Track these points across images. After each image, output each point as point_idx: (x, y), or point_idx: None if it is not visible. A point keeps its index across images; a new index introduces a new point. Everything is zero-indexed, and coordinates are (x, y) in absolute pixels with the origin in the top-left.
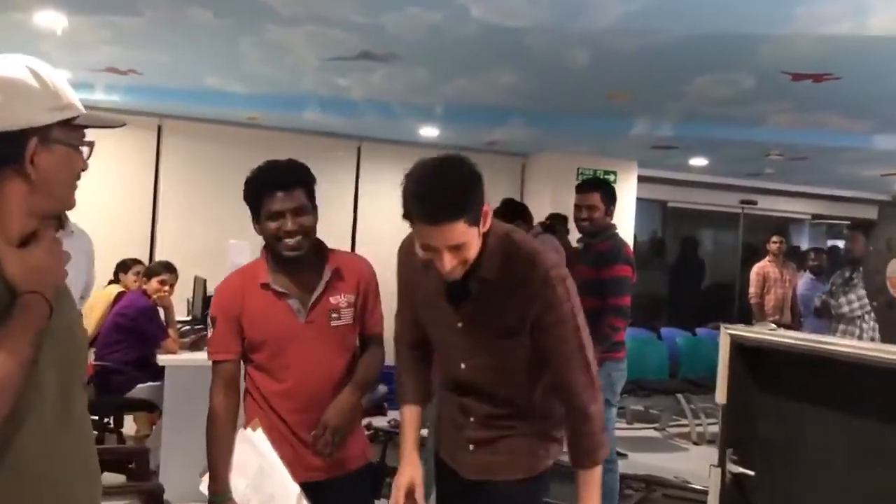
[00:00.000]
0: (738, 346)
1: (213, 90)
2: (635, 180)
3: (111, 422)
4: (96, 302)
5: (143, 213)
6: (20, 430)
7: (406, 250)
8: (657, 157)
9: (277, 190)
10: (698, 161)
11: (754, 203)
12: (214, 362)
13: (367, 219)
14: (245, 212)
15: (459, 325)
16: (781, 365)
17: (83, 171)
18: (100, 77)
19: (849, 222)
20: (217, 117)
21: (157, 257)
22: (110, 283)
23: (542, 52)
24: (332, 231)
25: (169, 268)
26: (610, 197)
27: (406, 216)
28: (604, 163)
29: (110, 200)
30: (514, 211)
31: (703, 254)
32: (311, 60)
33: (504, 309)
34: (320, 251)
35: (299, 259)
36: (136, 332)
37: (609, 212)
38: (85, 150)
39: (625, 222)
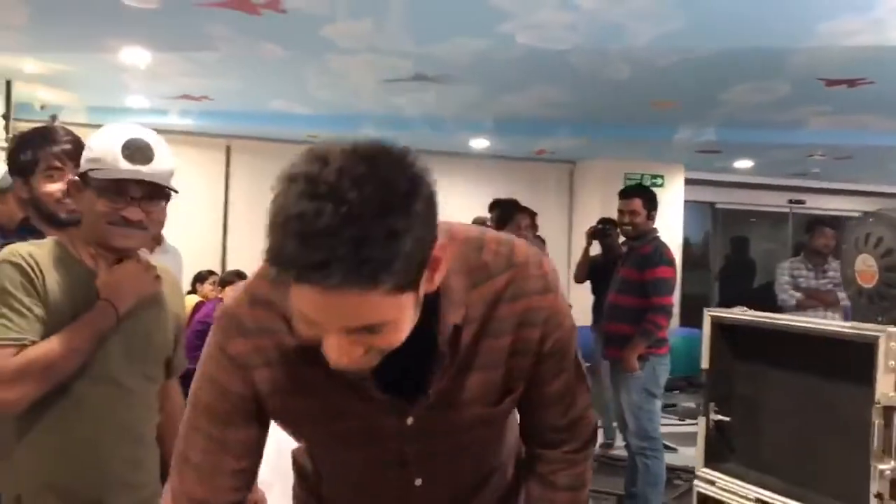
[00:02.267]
0: (717, 324)
1: (277, 113)
2: (682, 183)
3: None
4: None
5: (214, 226)
6: (86, 405)
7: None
8: (703, 160)
9: None
10: (743, 163)
11: (802, 202)
12: None
13: None
14: None
15: (409, 421)
16: (750, 337)
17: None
18: (175, 103)
19: None
20: (280, 137)
21: (229, 267)
22: (188, 293)
23: (585, 69)
24: None
25: (241, 276)
26: (651, 202)
27: (273, 261)
28: (650, 167)
29: (185, 217)
30: (509, 211)
31: (752, 253)
32: (369, 83)
33: (493, 363)
34: None
35: None
36: None
37: (650, 216)
38: None
39: (673, 224)
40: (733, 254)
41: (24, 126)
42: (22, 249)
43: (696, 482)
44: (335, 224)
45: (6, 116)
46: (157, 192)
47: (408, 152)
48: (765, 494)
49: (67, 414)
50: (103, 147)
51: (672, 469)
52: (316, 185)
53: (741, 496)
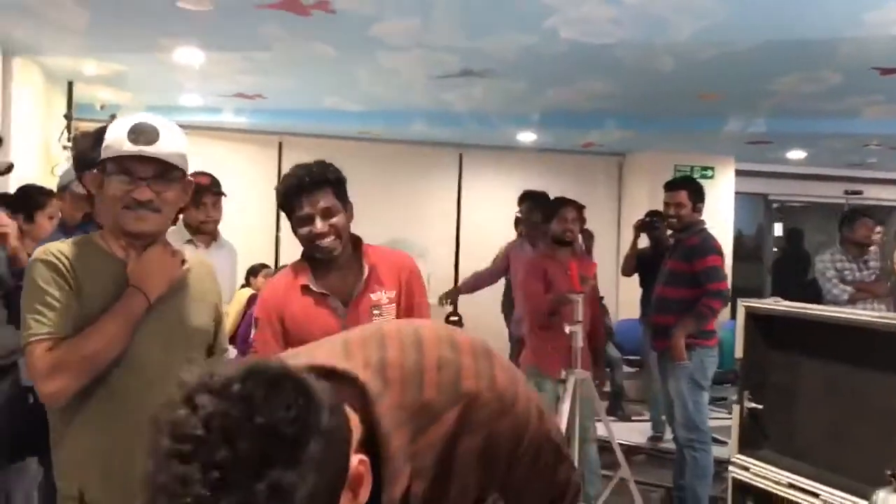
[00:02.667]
0: (751, 314)
1: (329, 109)
2: (733, 175)
3: None
4: (233, 304)
5: (267, 222)
6: (124, 393)
7: None
8: (754, 151)
9: (303, 194)
10: (796, 154)
11: (859, 193)
12: None
13: (470, 223)
14: (357, 215)
15: None
16: (783, 327)
17: None
18: (229, 102)
19: None
20: (331, 133)
21: (282, 262)
22: (242, 286)
23: (630, 63)
24: (436, 235)
25: (265, 266)
26: (696, 194)
27: None
28: (700, 159)
29: (239, 213)
30: (554, 205)
31: (807, 246)
32: (419, 79)
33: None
34: (357, 248)
35: (336, 259)
36: None
37: (696, 208)
38: None
39: (724, 217)
40: (787, 246)
41: (86, 126)
42: (53, 247)
43: (730, 468)
44: (206, 497)
45: (68, 117)
46: (167, 173)
47: (290, 375)
48: (798, 480)
49: (111, 404)
50: (113, 135)
51: (721, 462)
52: (182, 442)
53: (774, 481)
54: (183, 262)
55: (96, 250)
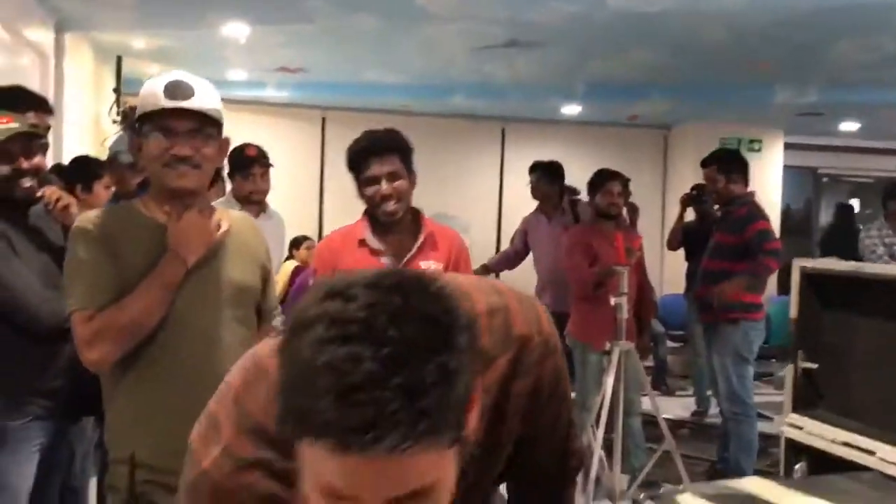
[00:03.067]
0: (805, 274)
1: (371, 83)
2: (782, 148)
3: None
4: (280, 275)
5: (311, 195)
6: (167, 354)
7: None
8: (804, 123)
9: (373, 156)
10: (849, 126)
11: None
12: None
13: (512, 195)
14: None
15: None
16: (837, 287)
17: None
18: (272, 76)
19: None
20: (373, 107)
21: (325, 233)
22: (286, 259)
23: (678, 31)
24: (478, 210)
25: (307, 239)
26: (728, 166)
27: (299, 429)
28: (748, 131)
29: (282, 185)
30: (600, 178)
31: (859, 220)
32: (461, 51)
33: (507, 440)
34: (417, 218)
35: (396, 222)
36: None
37: (732, 180)
38: None
39: (772, 190)
40: (836, 221)
41: (134, 101)
42: (91, 216)
43: (783, 428)
44: (379, 371)
45: (117, 91)
46: (204, 128)
47: (434, 279)
48: (853, 438)
49: (159, 366)
50: (147, 93)
51: (767, 437)
52: (344, 326)
53: (829, 440)
54: (219, 225)
55: (136, 216)
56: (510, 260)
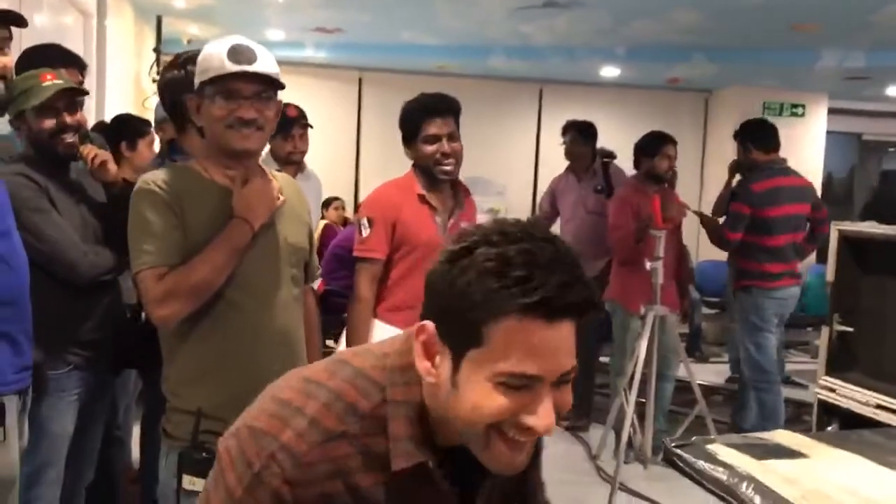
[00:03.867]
0: (843, 237)
1: (407, 44)
2: (825, 113)
3: (334, 339)
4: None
5: (348, 155)
6: (232, 310)
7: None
8: (849, 87)
9: (436, 115)
10: None
11: None
12: (365, 259)
13: (548, 158)
14: None
15: None
16: (876, 250)
17: None
18: (310, 36)
19: None
20: (410, 68)
21: (361, 195)
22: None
23: None
24: (514, 173)
25: (337, 199)
26: (743, 136)
27: (504, 309)
28: (791, 96)
29: (319, 146)
30: (657, 140)
31: None
32: (498, 11)
33: None
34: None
35: (447, 182)
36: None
37: (748, 149)
38: None
39: (814, 157)
40: (881, 188)
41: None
42: (154, 177)
43: (816, 390)
44: (561, 251)
45: (157, 51)
46: (265, 91)
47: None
48: (886, 401)
49: (224, 320)
50: (210, 57)
51: (801, 404)
52: (509, 237)
53: (862, 402)
54: (280, 191)
55: (196, 178)
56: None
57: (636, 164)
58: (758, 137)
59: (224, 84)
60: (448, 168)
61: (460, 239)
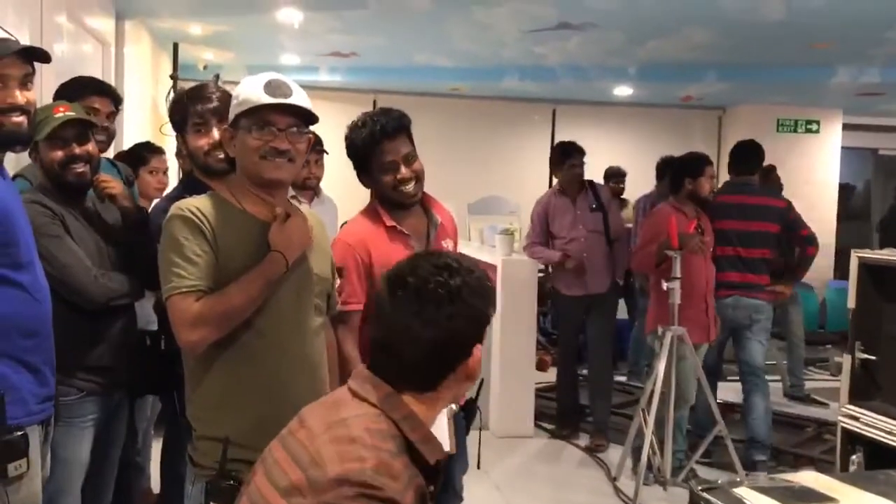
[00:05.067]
0: (864, 265)
1: (421, 66)
2: (840, 129)
3: None
4: None
5: None
6: (262, 339)
7: None
8: (864, 103)
9: (384, 141)
10: None
11: None
12: (344, 312)
13: None
14: (449, 172)
15: None
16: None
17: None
18: (325, 60)
19: None
20: (424, 90)
21: None
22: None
23: (735, 10)
24: (529, 192)
25: None
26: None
27: None
28: (805, 112)
29: (334, 170)
30: (699, 162)
31: None
32: (512, 33)
33: None
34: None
35: (412, 204)
36: None
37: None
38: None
39: (829, 172)
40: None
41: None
42: (188, 203)
43: (839, 418)
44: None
45: (174, 77)
46: (299, 125)
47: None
48: None
49: (251, 348)
50: (247, 90)
51: (822, 423)
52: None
53: (886, 431)
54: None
55: (228, 207)
56: (544, 254)
57: (675, 186)
58: (734, 158)
59: (260, 116)
60: (409, 190)
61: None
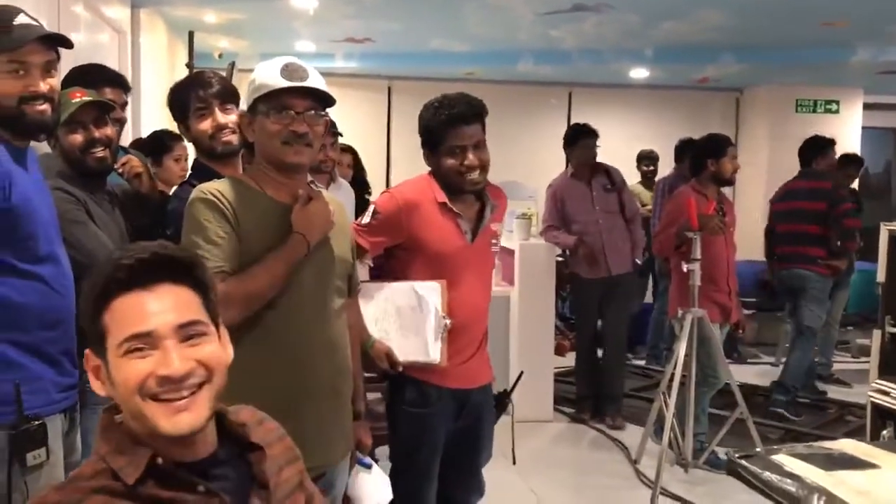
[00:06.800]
0: (894, 238)
1: (436, 51)
2: (860, 108)
3: None
4: None
5: (378, 164)
6: (285, 320)
7: None
8: (886, 82)
9: (461, 124)
10: None
11: None
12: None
13: None
14: None
15: None
16: None
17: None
18: (340, 47)
19: None
20: (438, 75)
21: None
22: None
23: None
24: (545, 177)
25: None
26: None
27: None
28: (825, 92)
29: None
30: (721, 143)
31: None
32: (527, 16)
33: None
34: None
35: (475, 192)
36: None
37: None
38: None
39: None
40: None
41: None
42: (210, 186)
43: (869, 393)
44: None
45: (190, 66)
46: (318, 107)
47: None
48: None
49: (273, 330)
50: (264, 75)
51: (845, 405)
52: None
53: None
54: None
55: (249, 190)
56: (562, 239)
57: (696, 168)
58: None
59: (278, 100)
60: (475, 178)
61: None
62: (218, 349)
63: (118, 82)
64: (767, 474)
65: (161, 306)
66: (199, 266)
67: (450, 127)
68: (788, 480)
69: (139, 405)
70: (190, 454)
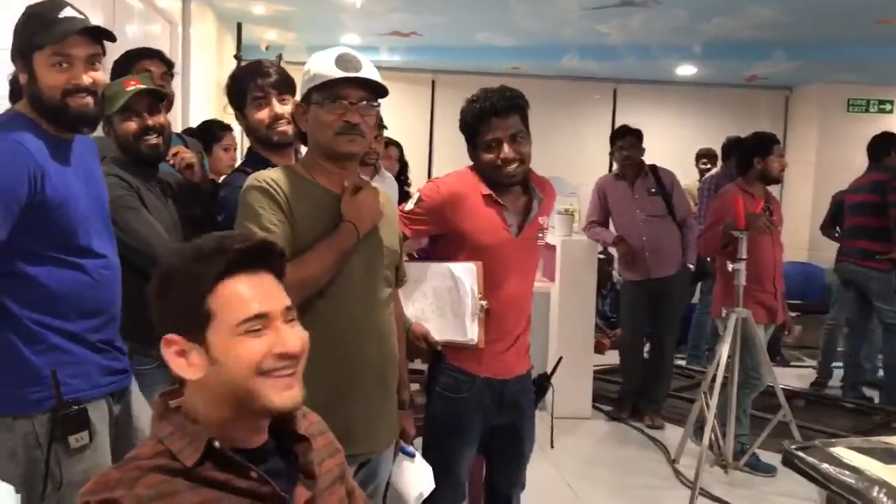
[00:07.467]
0: None
1: (481, 45)
2: None
3: None
4: None
5: (421, 157)
6: (335, 308)
7: None
8: None
9: (494, 116)
10: None
11: None
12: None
13: None
14: None
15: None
16: None
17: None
18: (385, 40)
19: None
20: (483, 69)
21: None
22: None
23: None
24: (588, 173)
25: None
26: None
27: None
28: (877, 92)
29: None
30: (767, 141)
31: None
32: (574, 11)
33: None
34: (526, 173)
35: (513, 185)
36: None
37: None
38: None
39: None
40: None
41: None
42: (265, 175)
43: None
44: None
45: (238, 57)
46: (370, 97)
47: None
48: None
49: (325, 318)
50: (318, 65)
51: (890, 412)
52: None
53: None
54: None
55: (301, 179)
56: (603, 235)
57: (743, 166)
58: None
59: (333, 90)
60: (511, 171)
61: None
62: (304, 332)
63: (157, 55)
64: (826, 466)
65: (269, 290)
66: (285, 256)
67: (484, 120)
68: (847, 472)
69: (253, 382)
70: (253, 440)
